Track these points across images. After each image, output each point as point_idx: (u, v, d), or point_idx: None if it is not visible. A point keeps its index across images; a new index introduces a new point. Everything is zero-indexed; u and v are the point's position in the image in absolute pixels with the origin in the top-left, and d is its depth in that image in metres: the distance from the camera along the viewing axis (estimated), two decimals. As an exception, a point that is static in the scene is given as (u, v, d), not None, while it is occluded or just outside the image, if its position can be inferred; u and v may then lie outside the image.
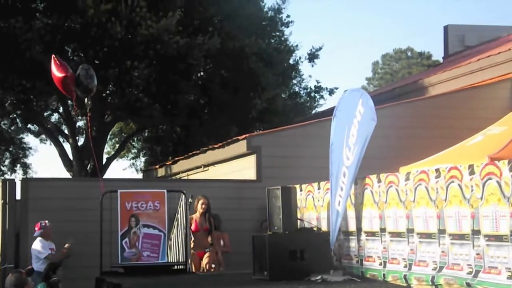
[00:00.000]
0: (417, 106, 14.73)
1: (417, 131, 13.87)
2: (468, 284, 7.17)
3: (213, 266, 11.45)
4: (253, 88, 22.03)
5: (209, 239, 11.53)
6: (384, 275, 8.64)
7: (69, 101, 11.07)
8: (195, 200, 11.51)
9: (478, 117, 13.28)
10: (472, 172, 7.24)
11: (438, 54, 61.72)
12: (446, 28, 23.69)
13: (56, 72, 10.33)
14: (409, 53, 56.09)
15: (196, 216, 11.52)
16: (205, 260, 11.37)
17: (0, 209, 13.05)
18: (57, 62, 10.37)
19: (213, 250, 11.50)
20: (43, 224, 11.86)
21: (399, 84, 22.61)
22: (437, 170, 7.81)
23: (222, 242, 12.00)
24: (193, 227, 11.39)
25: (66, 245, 11.86)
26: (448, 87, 16.27)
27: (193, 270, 11.15)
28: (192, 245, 11.29)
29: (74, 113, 17.35)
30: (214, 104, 21.99)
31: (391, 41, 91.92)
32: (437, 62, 34.89)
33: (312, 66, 26.32)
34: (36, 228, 11.90)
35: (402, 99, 16.16)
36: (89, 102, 10.52)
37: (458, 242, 7.44)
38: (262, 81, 21.85)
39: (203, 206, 11.48)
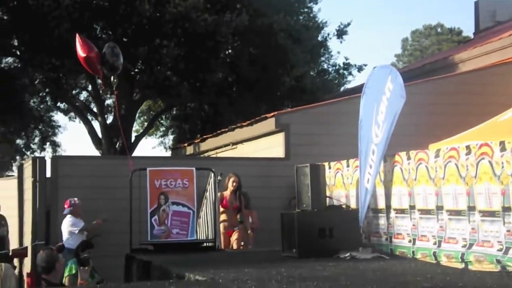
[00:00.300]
0: (447, 82, 14.56)
1: (447, 108, 13.73)
2: (498, 261, 7.11)
3: (242, 243, 11.46)
4: (282, 66, 21.96)
5: (238, 216, 11.53)
6: (413, 252, 8.60)
7: (98, 80, 11.07)
8: (225, 177, 11.51)
9: (510, 93, 13.11)
10: (503, 149, 7.15)
11: (468, 30, 61.08)
12: (477, 4, 23.40)
13: (80, 51, 10.36)
14: (439, 29, 55.51)
15: (226, 193, 11.53)
16: (234, 236, 11.39)
17: (30, 187, 13.18)
18: (81, 41, 10.38)
19: (242, 228, 11.49)
20: (73, 202, 11.95)
21: (428, 60, 22.38)
22: (467, 147, 7.73)
23: (250, 220, 12.01)
24: (223, 204, 11.41)
25: (104, 218, 11.96)
26: (478, 63, 16.08)
27: (222, 247, 11.18)
28: (220, 222, 11.29)
29: (101, 91, 17.44)
30: (242, 81, 21.97)
31: (421, 17, 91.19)
32: (467, 38, 34.50)
33: (341, 42, 26.24)
34: (66, 206, 12.00)
35: (432, 76, 15.99)
36: (115, 80, 10.54)
37: (488, 219, 7.37)
38: (291, 58, 21.77)
39: (234, 184, 11.49)
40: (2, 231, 12.08)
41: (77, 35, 10.59)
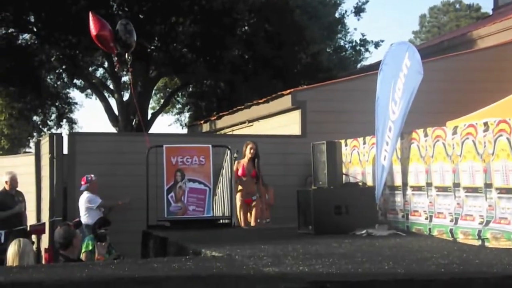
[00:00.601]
0: (465, 59, 14.46)
1: (465, 85, 13.65)
2: (515, 239, 7.08)
3: (259, 220, 11.43)
4: (298, 43, 21.87)
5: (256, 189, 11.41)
6: (429, 229, 8.58)
7: (113, 57, 11.10)
8: (243, 145, 11.42)
9: (528, 70, 13.01)
10: (521, 126, 7.09)
11: (487, 6, 60.47)
12: (495, -20, 23.10)
13: (92, 29, 10.36)
14: (457, 6, 55.01)
15: (244, 161, 11.28)
16: (253, 209, 11.26)
17: (47, 164, 13.26)
18: (94, 18, 10.37)
19: (260, 198, 11.38)
20: (89, 178, 12.03)
21: (446, 37, 22.21)
22: (485, 124, 7.67)
23: (267, 196, 11.99)
24: (240, 172, 11.19)
25: (126, 201, 12.06)
26: (497, 40, 15.92)
27: (239, 215, 11.16)
28: (238, 191, 11.22)
29: (116, 69, 17.42)
30: (259, 59, 21.90)
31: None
32: (486, 14, 34.16)
33: (358, 20, 26.14)
34: (83, 182, 12.08)
35: (450, 53, 15.87)
36: (129, 58, 10.54)
37: (505, 196, 7.33)
38: (307, 35, 21.67)
39: (251, 151, 11.21)
40: (20, 207, 12.16)
41: (90, 12, 10.58)
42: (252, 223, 11.16)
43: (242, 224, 11.13)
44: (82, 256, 9.22)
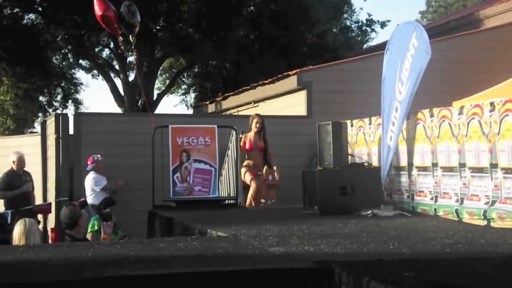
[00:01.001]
0: (472, 39, 14.40)
1: (472, 65, 13.60)
2: (521, 219, 7.08)
3: (265, 202, 11.37)
4: (303, 23, 21.79)
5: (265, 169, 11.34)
6: (435, 210, 8.58)
7: (120, 37, 11.14)
8: (249, 119, 11.43)
9: (535, 50, 12.95)
10: (528, 106, 7.07)
11: (494, -13, 60.06)
12: (503, -41, 22.92)
13: (97, 9, 10.36)
14: (464, -14, 54.60)
15: (250, 134, 11.30)
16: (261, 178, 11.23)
17: (53, 144, 13.28)
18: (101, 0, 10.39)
19: (270, 170, 11.36)
20: (95, 158, 12.05)
21: (453, 17, 22.10)
22: (491, 104, 7.64)
23: (270, 177, 11.95)
24: (247, 145, 11.21)
25: (130, 178, 12.09)
26: (504, 19, 15.84)
27: (248, 182, 11.12)
28: (245, 164, 11.21)
29: (120, 50, 17.43)
30: (264, 39, 21.84)
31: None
32: (493, -5, 33.92)
33: (365, 0, 25.93)
34: (89, 162, 12.10)
35: (457, 33, 15.80)
36: (133, 39, 10.54)
37: (511, 176, 7.32)
38: (313, 15, 21.59)
39: (257, 124, 11.24)
40: (27, 186, 12.21)
41: None
42: (249, 197, 11.13)
43: (252, 186, 11.13)
44: (88, 236, 9.26)
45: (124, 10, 10.36)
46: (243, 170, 11.19)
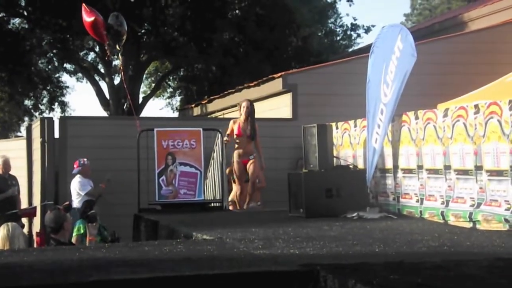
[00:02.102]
0: (457, 41, 14.46)
1: (456, 68, 13.65)
2: (506, 220, 7.11)
3: (257, 181, 11.14)
4: (289, 26, 21.82)
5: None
6: (420, 212, 8.60)
7: (106, 45, 11.26)
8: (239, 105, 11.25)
9: (519, 53, 13.01)
10: (512, 108, 7.11)
11: (478, -10, 60.42)
12: (487, -39, 23.05)
13: (86, 17, 10.42)
14: (448, -12, 54.88)
15: (239, 121, 10.98)
16: (250, 168, 10.86)
17: (39, 148, 13.23)
18: (87, 8, 10.47)
19: (257, 159, 11.00)
20: (82, 162, 12.01)
21: (438, 19, 22.20)
22: (476, 106, 7.68)
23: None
24: (236, 132, 10.89)
25: (107, 179, 12.05)
26: (488, 22, 15.92)
27: (235, 173, 10.99)
28: (235, 150, 10.95)
29: (106, 58, 17.48)
30: (249, 42, 21.85)
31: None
32: (477, -3, 34.12)
33: (350, 6, 26.02)
34: (75, 166, 12.06)
35: (441, 35, 15.86)
36: (120, 47, 10.60)
37: (496, 178, 7.36)
38: (297, 19, 21.62)
39: (244, 109, 10.93)
40: (13, 190, 12.16)
41: (83, 4, 10.67)
42: (250, 181, 10.87)
43: (236, 184, 11.03)
44: (73, 240, 9.20)
45: (112, 20, 10.42)
46: (234, 160, 10.94)
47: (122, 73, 14.87)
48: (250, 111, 10.98)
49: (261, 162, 11.16)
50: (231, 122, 11.06)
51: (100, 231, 9.02)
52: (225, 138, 11.00)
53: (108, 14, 10.96)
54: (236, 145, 10.98)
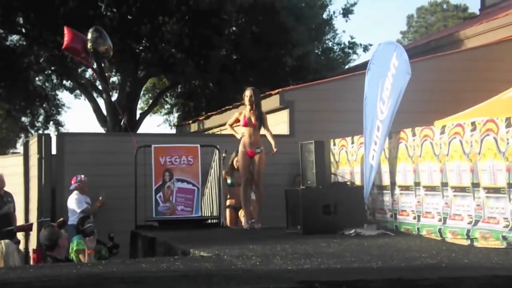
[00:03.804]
0: (453, 59, 14.50)
1: (453, 85, 13.69)
2: (504, 237, 7.11)
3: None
4: (284, 45, 21.87)
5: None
6: (418, 229, 8.60)
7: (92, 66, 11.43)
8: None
9: (515, 70, 13.05)
10: (509, 125, 7.12)
11: (474, 7, 60.68)
12: (482, -20, 23.16)
13: (70, 41, 10.53)
14: (444, 6, 55.16)
15: (245, 111, 10.31)
16: (257, 161, 10.17)
17: (36, 164, 13.21)
18: (69, 31, 10.56)
19: (263, 153, 10.26)
20: (79, 178, 12.00)
21: (434, 37, 22.27)
22: (472, 123, 7.70)
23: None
24: (242, 123, 10.23)
25: (100, 198, 12.03)
26: (484, 40, 15.98)
27: (240, 168, 10.37)
28: (241, 144, 10.23)
29: (93, 77, 17.61)
30: (246, 60, 21.89)
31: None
32: (473, 15, 34.28)
33: (346, 21, 26.06)
34: (73, 182, 12.05)
35: (437, 52, 15.92)
36: (109, 74, 10.71)
37: (493, 195, 7.36)
38: (293, 37, 21.68)
39: (249, 99, 10.23)
40: (8, 207, 12.12)
41: (65, 27, 10.76)
42: (257, 177, 10.29)
43: (242, 177, 10.32)
44: (72, 257, 9.12)
45: (91, 39, 10.49)
46: (239, 151, 10.29)
47: (108, 87, 14.83)
48: (254, 99, 10.28)
49: (273, 147, 10.29)
50: (237, 112, 10.56)
51: (98, 245, 8.94)
52: (223, 155, 10.99)
53: (107, 32, 11.00)
54: (243, 136, 10.28)
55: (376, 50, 10.17)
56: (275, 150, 10.20)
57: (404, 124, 9.24)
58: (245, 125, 10.22)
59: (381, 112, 9.26)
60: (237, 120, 10.35)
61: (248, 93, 10.29)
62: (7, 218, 12.10)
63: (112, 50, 10.94)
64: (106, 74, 12.39)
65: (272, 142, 10.25)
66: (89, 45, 10.65)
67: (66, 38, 10.60)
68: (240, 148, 10.23)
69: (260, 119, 10.21)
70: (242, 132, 10.27)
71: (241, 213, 10.93)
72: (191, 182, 10.69)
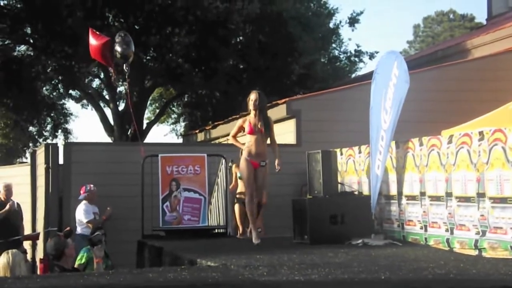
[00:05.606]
0: (460, 68, 14.48)
1: (460, 94, 13.67)
2: None
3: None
4: (290, 54, 21.89)
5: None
6: (425, 239, 8.58)
7: (110, 69, 11.31)
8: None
9: (522, 80, 13.03)
10: (517, 135, 7.10)
11: (481, 17, 60.66)
12: (489, -10, 23.16)
13: (93, 40, 10.43)
14: (451, 16, 55.22)
15: (250, 117, 9.36)
16: (261, 176, 9.29)
17: (43, 174, 13.23)
18: (94, 32, 10.50)
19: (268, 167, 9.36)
20: (88, 188, 11.99)
21: (441, 47, 22.26)
22: (480, 133, 7.69)
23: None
24: (247, 129, 9.26)
25: (106, 211, 12.00)
26: (491, 49, 15.97)
27: (243, 178, 9.53)
28: (245, 152, 9.26)
29: (112, 80, 17.53)
30: (253, 69, 21.92)
31: (433, 3, 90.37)
32: (480, 25, 34.29)
33: (353, 30, 26.11)
34: (81, 192, 12.04)
35: (444, 62, 15.90)
36: (127, 69, 10.57)
37: (499, 205, 7.34)
38: (300, 46, 21.70)
39: (253, 102, 9.29)
40: (11, 204, 12.13)
41: (90, 28, 10.72)
42: (257, 193, 9.32)
43: (246, 189, 9.42)
44: (76, 265, 9.10)
45: (118, 41, 10.40)
46: (242, 160, 9.37)
47: (128, 95, 14.83)
48: (260, 103, 9.33)
49: (278, 158, 9.38)
50: (240, 120, 9.54)
51: (104, 261, 8.93)
52: (229, 164, 10.97)
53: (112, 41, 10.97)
54: (247, 144, 9.34)
55: (379, 59, 10.20)
56: (278, 168, 9.29)
57: (412, 133, 9.23)
58: (251, 132, 9.26)
59: (384, 122, 9.26)
60: (241, 129, 9.43)
61: (253, 96, 9.37)
62: (15, 228, 12.12)
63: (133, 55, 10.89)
64: (114, 78, 12.33)
65: (277, 157, 9.35)
66: (120, 47, 10.49)
67: (95, 38, 10.49)
68: (244, 156, 9.29)
69: (267, 125, 9.29)
70: (248, 141, 9.36)
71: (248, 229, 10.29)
72: (198, 192, 10.69)
